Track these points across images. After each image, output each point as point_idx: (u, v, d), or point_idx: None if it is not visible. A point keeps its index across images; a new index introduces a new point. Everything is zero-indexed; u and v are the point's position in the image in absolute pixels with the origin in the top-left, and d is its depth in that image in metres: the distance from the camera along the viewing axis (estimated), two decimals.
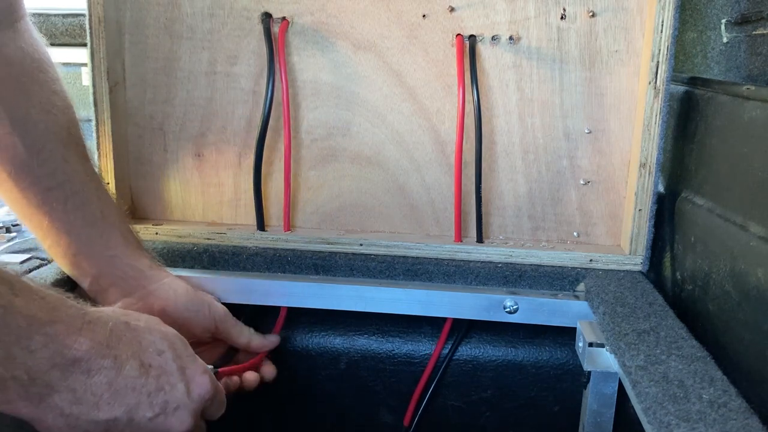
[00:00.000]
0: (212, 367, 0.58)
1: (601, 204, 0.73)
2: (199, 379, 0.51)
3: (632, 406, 0.48)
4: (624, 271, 0.71)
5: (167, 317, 0.63)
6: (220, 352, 0.70)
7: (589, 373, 0.62)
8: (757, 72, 0.63)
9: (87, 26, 0.70)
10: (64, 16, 1.23)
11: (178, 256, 0.73)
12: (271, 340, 0.71)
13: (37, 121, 0.61)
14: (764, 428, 0.41)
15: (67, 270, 0.63)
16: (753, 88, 0.56)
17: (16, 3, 0.63)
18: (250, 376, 0.68)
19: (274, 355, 0.74)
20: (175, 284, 0.65)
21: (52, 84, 0.64)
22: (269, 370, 0.71)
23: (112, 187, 0.73)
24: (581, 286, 0.69)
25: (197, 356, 0.54)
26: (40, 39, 0.65)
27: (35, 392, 0.41)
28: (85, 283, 0.63)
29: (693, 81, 0.70)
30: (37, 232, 0.62)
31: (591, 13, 0.68)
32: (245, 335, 0.69)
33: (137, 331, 0.49)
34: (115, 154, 0.74)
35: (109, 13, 0.71)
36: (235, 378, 0.67)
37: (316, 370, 0.78)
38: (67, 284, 0.64)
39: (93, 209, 0.62)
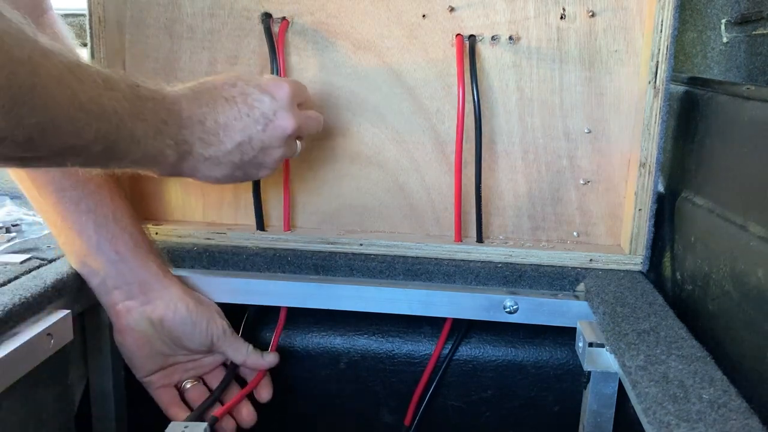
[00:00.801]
0: (206, 424, 0.62)
1: (601, 204, 0.73)
2: (273, 85, 0.59)
3: (632, 406, 0.48)
4: (624, 271, 0.71)
5: (164, 328, 0.65)
6: (219, 368, 0.71)
7: (589, 373, 0.62)
8: (757, 72, 0.63)
9: (87, 26, 0.70)
10: (64, 16, 1.23)
11: (178, 256, 0.73)
12: (268, 360, 0.71)
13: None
14: (764, 428, 0.41)
15: (77, 267, 0.64)
16: (753, 88, 0.56)
17: None
18: (246, 417, 0.70)
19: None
20: (177, 297, 0.66)
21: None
22: (265, 394, 0.72)
23: None
24: (581, 286, 0.69)
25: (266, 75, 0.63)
26: (66, 32, 0.66)
27: (183, 150, 0.53)
28: (93, 282, 0.65)
29: (693, 81, 0.70)
30: (52, 228, 0.65)
31: (591, 13, 0.68)
32: (242, 353, 0.69)
33: (206, 83, 0.57)
34: None
35: (109, 13, 0.71)
36: (231, 423, 0.69)
37: (316, 370, 0.78)
38: (68, 284, 0.64)
39: (105, 211, 0.64)
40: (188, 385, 0.69)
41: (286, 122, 0.59)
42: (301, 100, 0.62)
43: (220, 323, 0.68)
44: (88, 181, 0.63)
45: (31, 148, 0.41)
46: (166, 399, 0.68)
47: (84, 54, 0.70)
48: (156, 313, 0.65)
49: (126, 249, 0.64)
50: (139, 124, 0.48)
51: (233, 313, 0.75)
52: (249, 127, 0.57)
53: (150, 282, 0.65)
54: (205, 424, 0.62)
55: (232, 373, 0.71)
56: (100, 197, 0.64)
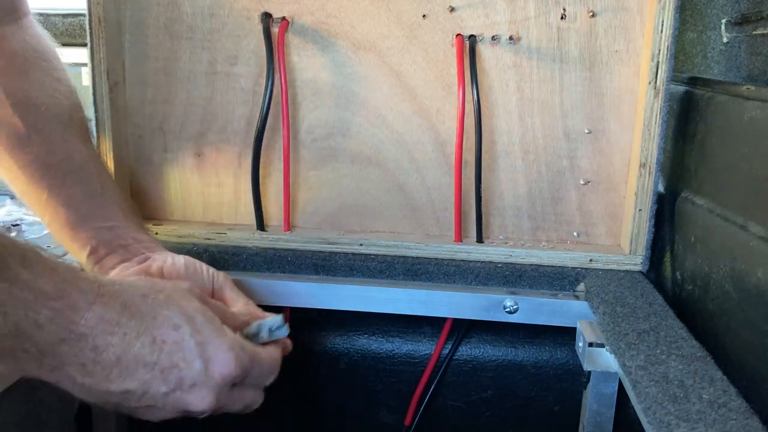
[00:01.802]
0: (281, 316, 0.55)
1: (601, 204, 0.73)
2: (221, 357, 0.48)
3: (632, 406, 0.48)
4: (624, 271, 0.71)
5: (164, 278, 0.60)
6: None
7: (589, 373, 0.62)
8: (757, 72, 0.63)
9: (87, 26, 0.70)
10: (64, 16, 1.23)
11: None
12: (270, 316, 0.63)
13: (38, 103, 0.62)
14: (764, 428, 0.41)
15: (66, 243, 0.61)
16: (753, 88, 0.56)
17: (19, 1, 0.64)
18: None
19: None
20: (173, 254, 0.62)
21: (54, 72, 0.65)
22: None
23: None
24: (581, 286, 0.69)
25: (225, 330, 0.50)
26: (44, 34, 0.66)
27: (47, 363, 0.42)
28: (83, 255, 0.61)
29: (693, 81, 0.70)
30: (35, 207, 0.61)
31: (591, 13, 0.68)
32: (238, 302, 0.62)
33: (154, 305, 0.47)
34: (115, 154, 0.74)
35: (109, 13, 0.71)
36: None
37: (316, 370, 0.78)
38: None
39: (93, 185, 0.62)
40: None
41: (200, 401, 0.47)
42: (245, 377, 0.51)
43: (221, 273, 0.63)
44: (73, 157, 0.62)
45: None
46: None
47: (76, 54, 0.71)
48: (155, 265, 0.60)
49: (117, 218, 0.62)
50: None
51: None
52: (152, 382, 0.45)
53: (145, 244, 0.62)
54: (280, 316, 0.57)
55: None
56: (87, 172, 0.62)
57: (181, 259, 0.62)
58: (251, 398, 0.54)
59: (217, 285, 0.63)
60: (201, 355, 0.47)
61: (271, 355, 0.54)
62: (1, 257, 0.39)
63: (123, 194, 0.65)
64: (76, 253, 0.61)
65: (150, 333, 0.45)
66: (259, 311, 0.62)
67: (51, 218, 0.61)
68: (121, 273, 0.59)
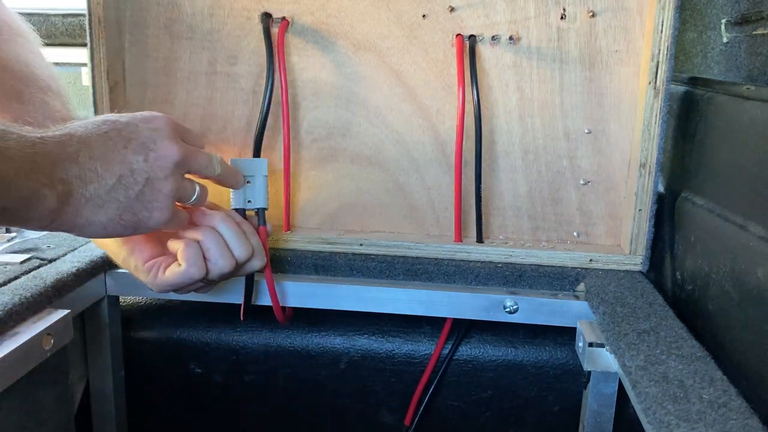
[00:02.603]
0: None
1: (601, 204, 0.73)
2: (149, 115, 0.53)
3: (632, 406, 0.48)
4: (624, 271, 0.71)
5: None
6: None
7: (589, 373, 0.62)
8: (757, 72, 0.63)
9: (87, 26, 0.70)
10: (64, 16, 1.23)
11: None
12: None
13: (15, 69, 0.62)
14: (764, 428, 0.41)
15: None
16: (753, 88, 0.56)
17: None
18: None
19: (274, 354, 0.74)
20: None
21: (30, 45, 0.65)
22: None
23: None
24: (581, 286, 0.69)
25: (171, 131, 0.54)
26: (16, 15, 0.67)
27: (61, 191, 0.47)
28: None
29: (693, 81, 0.70)
30: None
31: (591, 13, 0.68)
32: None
33: (74, 123, 0.51)
34: None
35: (109, 13, 0.71)
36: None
37: (316, 370, 0.78)
38: (68, 283, 0.64)
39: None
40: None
41: (169, 150, 0.52)
42: (182, 135, 0.56)
43: None
44: (54, 117, 0.61)
45: None
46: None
47: (76, 54, 0.70)
48: None
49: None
50: (4, 163, 0.43)
51: (234, 312, 0.75)
52: (128, 159, 0.51)
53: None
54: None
55: None
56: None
57: None
58: (205, 153, 0.57)
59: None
60: (137, 122, 0.52)
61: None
62: None
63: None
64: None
65: (92, 133, 0.50)
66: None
67: None
68: None
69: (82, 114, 0.67)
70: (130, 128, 0.52)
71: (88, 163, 0.49)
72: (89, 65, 0.71)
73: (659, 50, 0.65)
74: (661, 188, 0.71)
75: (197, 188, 0.57)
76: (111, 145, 0.50)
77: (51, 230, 0.49)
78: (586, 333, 0.60)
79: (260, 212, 0.64)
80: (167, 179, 0.53)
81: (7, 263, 0.65)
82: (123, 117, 0.53)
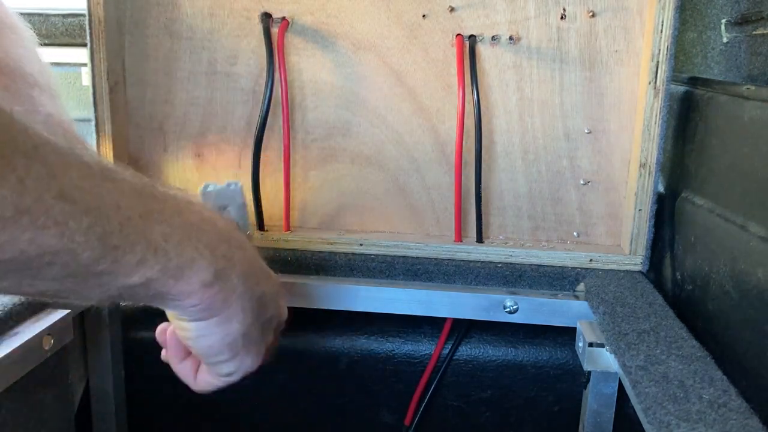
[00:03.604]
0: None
1: (601, 204, 0.73)
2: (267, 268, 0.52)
3: (632, 406, 0.48)
4: (624, 271, 0.71)
5: None
6: None
7: (589, 373, 0.62)
8: (757, 72, 0.63)
9: (87, 26, 0.70)
10: (64, 16, 1.23)
11: None
12: None
13: (2, 65, 0.62)
14: (764, 428, 0.41)
15: None
16: (753, 88, 0.56)
17: None
18: None
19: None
20: None
21: (22, 41, 0.65)
22: None
23: None
24: (581, 286, 0.69)
25: None
26: (11, 11, 0.66)
27: (221, 268, 0.42)
28: None
29: (693, 81, 0.70)
30: None
31: (591, 13, 0.68)
32: None
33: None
34: (115, 154, 0.74)
35: (109, 13, 0.71)
36: None
37: (316, 370, 0.78)
38: None
39: (58, 139, 0.61)
40: None
41: (284, 307, 0.53)
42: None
43: None
44: (39, 111, 0.60)
45: None
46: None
47: (76, 54, 0.70)
48: None
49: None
50: (156, 226, 0.37)
51: None
52: (270, 284, 0.49)
53: None
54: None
55: None
56: (53, 128, 0.60)
57: None
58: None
59: None
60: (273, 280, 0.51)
61: None
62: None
63: (90, 148, 0.63)
64: None
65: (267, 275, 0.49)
66: None
67: None
68: None
69: (83, 114, 0.68)
70: (266, 273, 0.50)
71: (253, 261, 0.46)
72: (89, 65, 0.71)
73: (659, 50, 0.65)
74: (661, 188, 0.71)
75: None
76: (259, 272, 0.47)
77: (187, 310, 0.42)
78: (586, 333, 0.60)
79: None
80: (273, 329, 0.51)
81: None
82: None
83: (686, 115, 0.69)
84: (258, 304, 0.47)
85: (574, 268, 0.71)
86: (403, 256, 0.72)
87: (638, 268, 0.71)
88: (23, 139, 0.30)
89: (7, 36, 0.64)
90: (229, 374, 0.49)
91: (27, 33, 0.67)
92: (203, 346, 0.46)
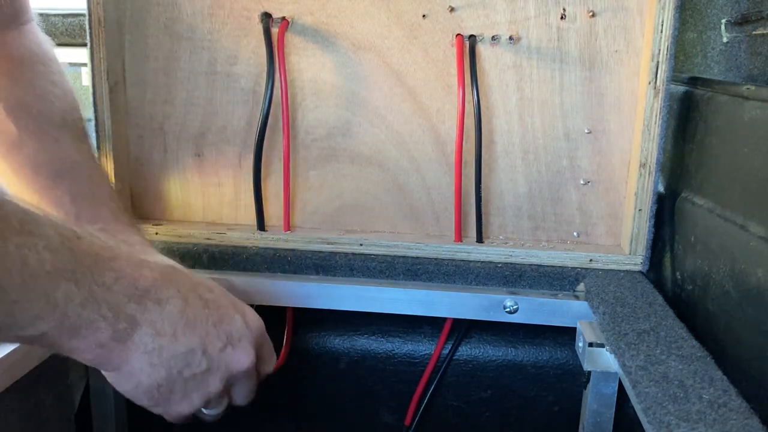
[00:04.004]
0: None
1: (601, 204, 0.73)
2: (250, 313, 0.52)
3: (632, 406, 0.48)
4: (624, 271, 0.71)
5: None
6: None
7: (589, 373, 0.62)
8: (757, 72, 0.63)
9: (87, 26, 0.70)
10: (64, 16, 1.23)
11: (178, 256, 0.73)
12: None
13: (30, 106, 0.62)
14: (764, 428, 0.41)
15: None
16: (753, 88, 0.56)
17: (23, 8, 0.65)
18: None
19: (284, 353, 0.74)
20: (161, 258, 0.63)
21: (51, 75, 0.65)
22: None
23: None
24: (581, 286, 0.69)
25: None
26: (45, 39, 0.67)
27: (122, 329, 0.43)
28: None
29: (693, 81, 0.70)
30: None
31: (591, 13, 0.68)
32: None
33: (184, 272, 0.50)
34: (115, 154, 0.74)
35: (109, 13, 0.71)
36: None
37: (316, 370, 0.78)
38: None
39: (82, 187, 0.62)
40: None
41: (245, 356, 0.50)
42: (259, 347, 0.54)
43: None
44: (64, 158, 0.62)
45: None
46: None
47: (76, 54, 0.71)
48: None
49: (107, 220, 0.61)
50: (62, 285, 0.38)
51: None
52: (209, 337, 0.47)
53: (135, 244, 0.61)
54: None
55: None
56: (77, 174, 0.62)
57: None
58: (266, 370, 0.57)
59: None
60: (237, 309, 0.51)
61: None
62: (60, 227, 0.40)
63: (115, 194, 0.65)
64: None
65: (195, 291, 0.48)
66: None
67: None
68: None
69: (83, 114, 0.68)
70: (229, 312, 0.50)
71: (172, 317, 0.45)
72: (89, 65, 0.71)
73: (659, 50, 0.65)
74: (661, 188, 0.71)
75: (224, 407, 0.55)
76: (204, 316, 0.47)
77: (88, 363, 0.44)
78: (586, 333, 0.60)
79: None
80: (219, 380, 0.50)
81: None
82: (228, 297, 0.51)
83: (686, 115, 0.69)
84: (181, 359, 0.46)
85: (574, 268, 0.71)
86: (403, 256, 0.72)
87: (638, 268, 0.71)
88: None
89: (35, 69, 0.64)
90: (166, 414, 0.50)
91: (56, 65, 0.67)
92: (120, 390, 0.47)
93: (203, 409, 0.52)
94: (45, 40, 0.67)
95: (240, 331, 0.50)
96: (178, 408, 0.49)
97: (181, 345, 0.46)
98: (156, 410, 0.49)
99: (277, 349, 0.76)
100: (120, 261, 0.44)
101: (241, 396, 0.55)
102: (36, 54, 0.65)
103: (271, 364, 0.58)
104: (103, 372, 0.46)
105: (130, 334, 0.43)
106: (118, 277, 0.43)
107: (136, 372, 0.45)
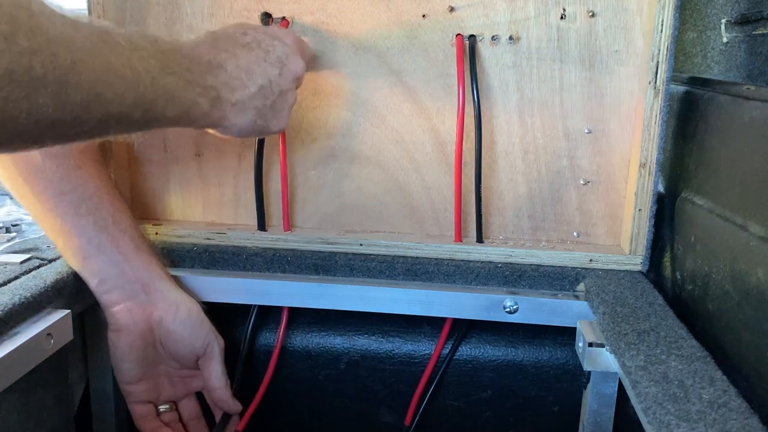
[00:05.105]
0: None
1: (601, 204, 0.73)
2: (281, 32, 0.62)
3: (632, 406, 0.48)
4: (624, 271, 0.71)
5: (162, 329, 0.65)
6: (191, 396, 0.71)
7: (589, 373, 0.62)
8: (757, 72, 0.63)
9: None
10: None
11: (178, 256, 0.73)
12: (235, 405, 0.70)
13: None
14: (764, 428, 0.41)
15: (77, 269, 0.64)
16: (753, 88, 0.56)
17: None
18: None
19: (277, 354, 0.74)
20: (179, 299, 0.66)
21: None
22: None
23: None
24: (581, 286, 0.69)
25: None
26: None
27: (212, 97, 0.53)
28: (92, 283, 0.64)
29: (693, 81, 0.70)
30: (50, 233, 0.64)
31: (591, 13, 0.68)
32: (221, 380, 0.68)
33: (217, 32, 0.58)
34: (115, 153, 0.74)
35: (109, 13, 0.71)
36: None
37: (316, 370, 0.78)
38: (68, 284, 0.64)
39: (105, 214, 0.64)
40: (162, 408, 0.69)
41: (298, 65, 0.61)
42: (302, 49, 0.64)
43: (217, 336, 0.68)
44: (86, 185, 0.64)
45: (76, 125, 0.40)
46: (141, 412, 0.68)
47: None
48: (156, 313, 0.65)
49: (127, 249, 0.64)
50: (169, 78, 0.48)
51: (235, 312, 0.75)
52: (268, 71, 0.58)
53: (152, 282, 0.65)
54: None
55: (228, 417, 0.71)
56: (99, 200, 0.64)
57: (183, 312, 0.65)
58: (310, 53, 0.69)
59: (209, 350, 0.67)
60: (273, 38, 0.60)
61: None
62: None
63: (133, 221, 0.67)
64: (85, 279, 0.65)
65: (237, 44, 0.57)
66: (230, 394, 0.70)
67: (64, 245, 0.64)
68: (125, 310, 0.64)
69: None
70: (267, 42, 0.59)
71: (235, 72, 0.55)
72: None
73: (659, 50, 0.65)
74: (661, 188, 0.71)
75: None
76: (254, 57, 0.57)
77: (204, 128, 0.56)
78: (586, 333, 0.60)
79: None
80: (292, 91, 0.61)
81: (7, 263, 0.65)
82: (260, 29, 0.60)
83: (686, 115, 0.69)
84: (259, 97, 0.58)
85: (574, 268, 0.71)
86: (403, 256, 0.72)
87: (638, 268, 0.71)
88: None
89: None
90: (272, 132, 0.62)
91: None
92: (231, 134, 0.59)
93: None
94: None
95: (283, 51, 0.60)
96: (279, 125, 0.61)
97: (252, 86, 0.56)
98: (262, 135, 0.63)
99: (271, 350, 0.76)
100: (185, 48, 0.52)
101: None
102: None
103: (308, 47, 0.68)
104: (212, 131, 0.57)
105: (218, 97, 0.53)
106: (191, 61, 0.51)
107: (235, 120, 0.56)
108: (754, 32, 0.64)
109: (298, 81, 0.62)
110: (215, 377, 0.68)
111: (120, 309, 0.64)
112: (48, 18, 0.36)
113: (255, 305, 0.75)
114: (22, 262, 0.66)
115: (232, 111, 0.55)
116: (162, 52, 0.48)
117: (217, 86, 0.53)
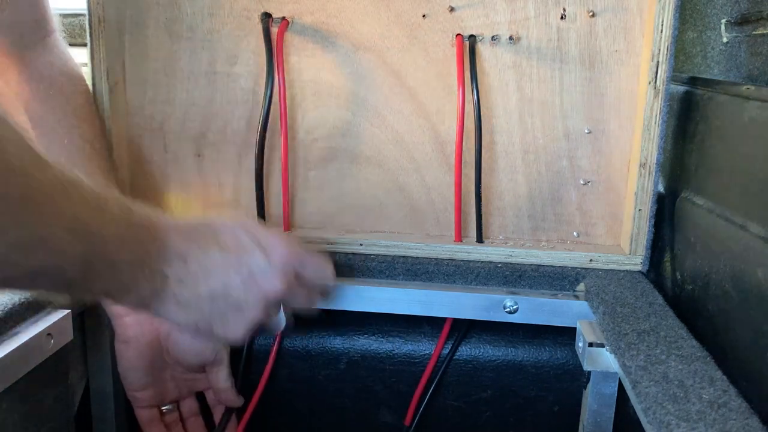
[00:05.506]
0: None
1: (601, 204, 0.73)
2: (273, 245, 0.54)
3: (632, 406, 0.48)
4: (624, 271, 0.71)
5: (171, 341, 0.65)
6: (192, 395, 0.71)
7: (589, 373, 0.62)
8: (757, 72, 0.63)
9: (87, 26, 0.70)
10: (64, 16, 1.22)
11: None
12: (237, 401, 0.71)
13: (62, 135, 0.63)
14: (764, 428, 0.41)
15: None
16: (753, 88, 0.56)
17: (45, 19, 0.65)
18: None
19: (274, 355, 0.74)
20: None
21: (79, 97, 0.67)
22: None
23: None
24: (581, 286, 0.69)
25: (272, 228, 0.59)
26: (68, 53, 0.67)
27: (157, 287, 0.49)
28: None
29: (693, 81, 0.70)
30: None
31: (591, 13, 0.68)
32: (226, 381, 0.69)
33: (204, 222, 0.54)
34: (115, 154, 0.74)
35: (109, 13, 0.71)
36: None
37: (316, 370, 0.78)
38: None
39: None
40: (165, 409, 0.69)
41: (271, 285, 0.53)
42: (302, 270, 0.57)
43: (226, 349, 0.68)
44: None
45: (2, 266, 0.37)
46: (147, 417, 0.68)
47: (76, 54, 0.71)
48: (165, 326, 0.64)
49: None
50: (122, 251, 0.45)
51: None
52: (229, 279, 0.52)
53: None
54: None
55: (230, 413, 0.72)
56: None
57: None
58: (310, 294, 0.60)
59: (218, 357, 0.68)
60: (258, 246, 0.54)
61: (319, 258, 0.60)
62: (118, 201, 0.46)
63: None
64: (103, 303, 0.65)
65: (216, 242, 0.52)
66: (235, 392, 0.70)
67: None
68: (134, 322, 0.64)
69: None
70: (248, 250, 0.53)
71: (194, 270, 0.50)
72: (89, 65, 0.71)
73: (659, 50, 0.65)
74: (661, 188, 0.71)
75: (282, 319, 0.59)
76: (220, 260, 0.52)
77: (135, 309, 0.54)
78: (586, 333, 0.60)
79: None
80: (256, 309, 0.54)
81: None
82: (257, 235, 0.54)
83: (686, 115, 0.69)
84: (207, 302, 0.52)
85: (574, 268, 0.71)
86: (403, 256, 0.72)
87: (638, 268, 0.71)
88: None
89: (65, 91, 0.66)
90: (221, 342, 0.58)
91: (82, 84, 0.69)
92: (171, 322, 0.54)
93: (269, 324, 0.57)
94: (68, 54, 0.67)
95: (260, 266, 0.53)
96: (227, 335, 0.54)
97: (202, 289, 0.51)
98: (208, 342, 0.59)
99: (268, 353, 0.76)
100: (158, 228, 0.49)
101: (300, 305, 0.59)
102: (63, 72, 0.66)
103: (324, 274, 0.60)
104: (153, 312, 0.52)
105: (164, 289, 0.49)
106: (155, 243, 0.48)
107: (174, 316, 0.51)
108: (754, 32, 0.64)
109: (267, 301, 0.54)
110: (223, 380, 0.68)
111: (130, 320, 0.64)
112: (14, 146, 0.35)
113: None
114: None
115: (172, 305, 0.50)
116: (129, 224, 0.46)
117: (170, 277, 0.49)
